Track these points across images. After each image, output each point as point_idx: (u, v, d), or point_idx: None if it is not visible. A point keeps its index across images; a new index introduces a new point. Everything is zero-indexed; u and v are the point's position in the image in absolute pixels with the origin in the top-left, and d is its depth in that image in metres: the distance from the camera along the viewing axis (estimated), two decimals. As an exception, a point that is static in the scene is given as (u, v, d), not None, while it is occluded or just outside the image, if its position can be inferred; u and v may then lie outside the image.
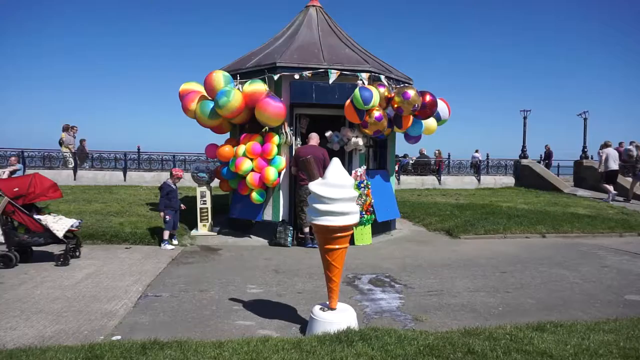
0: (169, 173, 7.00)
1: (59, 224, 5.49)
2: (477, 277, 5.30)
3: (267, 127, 6.86)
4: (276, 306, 4.16)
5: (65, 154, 14.67)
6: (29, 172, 13.70)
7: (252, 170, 6.78)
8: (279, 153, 6.88)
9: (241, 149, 6.82)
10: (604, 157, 12.26)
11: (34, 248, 5.69)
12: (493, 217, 8.73)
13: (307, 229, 6.75)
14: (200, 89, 7.10)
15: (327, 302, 3.51)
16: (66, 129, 14.77)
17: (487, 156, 17.41)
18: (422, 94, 6.78)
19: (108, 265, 5.39)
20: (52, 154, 14.84)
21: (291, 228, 6.88)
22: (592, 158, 16.38)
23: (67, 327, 3.53)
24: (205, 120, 6.89)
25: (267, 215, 7.20)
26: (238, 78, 6.99)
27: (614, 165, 12.25)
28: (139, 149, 15.53)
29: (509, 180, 16.36)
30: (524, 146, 16.64)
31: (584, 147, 16.15)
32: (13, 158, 13.45)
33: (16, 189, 5.36)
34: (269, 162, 6.77)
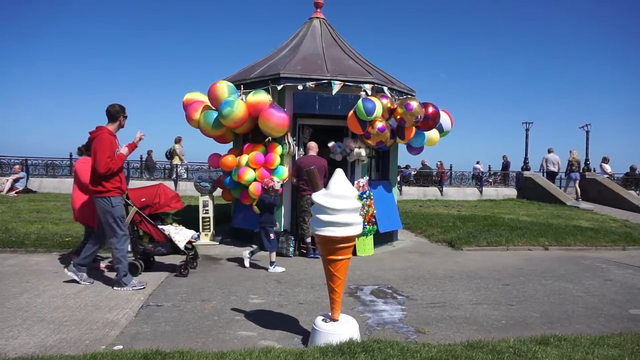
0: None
1: (181, 235, 5.54)
2: (479, 289, 5.28)
3: (270, 137, 6.89)
4: (278, 317, 4.14)
5: (176, 164, 15.23)
6: (32, 180, 13.80)
7: (255, 180, 6.80)
8: (281, 163, 6.90)
9: (244, 158, 6.84)
10: (543, 161, 16.12)
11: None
12: (495, 229, 8.71)
13: (308, 239, 6.74)
14: (204, 98, 7.16)
15: (330, 313, 3.50)
16: (178, 140, 15.58)
17: (489, 167, 17.43)
18: (424, 105, 6.81)
19: (110, 274, 5.38)
20: (55, 162, 14.92)
21: (293, 238, 6.87)
22: (594, 170, 16.39)
23: (68, 337, 3.52)
24: (208, 130, 6.93)
25: (269, 225, 7.19)
26: (242, 88, 7.05)
27: (553, 167, 15.89)
28: (141, 158, 15.60)
29: (511, 192, 16.36)
30: (526, 158, 16.67)
31: (587, 159, 16.16)
32: (17, 166, 13.55)
33: (143, 199, 5.42)
34: (272, 172, 6.78)
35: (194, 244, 5.76)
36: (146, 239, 5.51)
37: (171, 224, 5.76)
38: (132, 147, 4.95)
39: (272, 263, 5.90)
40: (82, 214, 5.39)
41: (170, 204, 5.67)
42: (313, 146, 6.88)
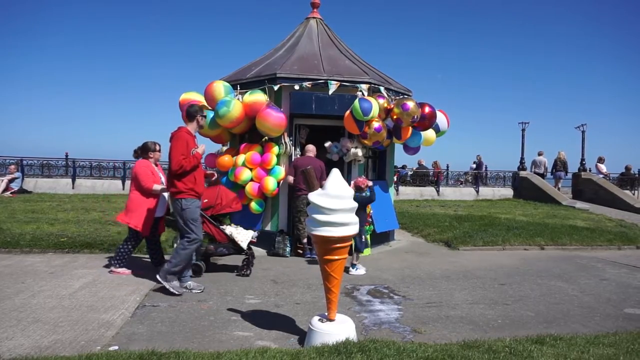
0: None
1: (242, 235, 5.59)
2: (476, 289, 5.29)
3: (266, 137, 6.89)
4: (274, 317, 4.14)
5: None
6: (27, 180, 13.74)
7: (252, 180, 6.79)
8: (278, 163, 6.89)
9: (240, 158, 6.83)
10: (531, 164, 16.82)
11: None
12: (492, 228, 8.73)
13: (305, 240, 6.74)
14: (201, 98, 7.13)
15: (326, 313, 3.50)
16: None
17: (486, 168, 17.46)
18: (421, 105, 6.82)
19: (105, 275, 5.37)
20: (50, 162, 14.85)
21: (290, 238, 6.87)
22: (589, 170, 16.45)
23: (64, 337, 3.50)
24: (205, 130, 6.91)
25: (266, 225, 7.19)
26: (238, 88, 7.04)
27: (539, 170, 16.48)
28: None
29: (508, 192, 16.39)
30: (522, 158, 16.72)
31: (582, 159, 16.23)
32: (12, 166, 13.46)
33: (206, 200, 5.44)
34: (269, 172, 6.78)
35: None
36: (205, 240, 5.54)
37: (229, 224, 5.82)
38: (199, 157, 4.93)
39: (353, 265, 5.88)
40: (130, 215, 5.40)
41: (231, 205, 5.75)
42: (311, 148, 6.87)
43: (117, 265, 5.50)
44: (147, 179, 5.38)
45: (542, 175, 16.25)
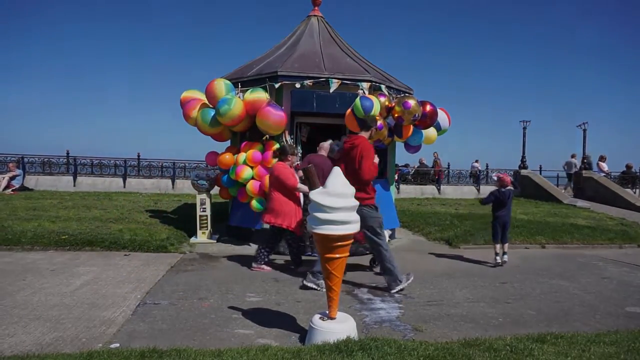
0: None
1: None
2: (476, 287, 5.29)
3: (267, 136, 6.88)
4: (275, 315, 4.14)
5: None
6: (28, 177, 13.75)
7: (253, 178, 6.79)
8: (279, 161, 6.88)
9: (242, 156, 6.83)
10: (565, 164, 17.03)
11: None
12: (493, 227, 8.71)
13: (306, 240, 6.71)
14: (202, 96, 7.14)
15: (327, 311, 3.50)
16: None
17: (487, 166, 17.46)
18: (422, 103, 6.80)
19: (107, 272, 5.37)
20: (52, 160, 14.88)
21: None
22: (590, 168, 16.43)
23: (65, 335, 3.51)
24: (206, 128, 6.92)
25: (267, 223, 7.18)
26: (239, 86, 7.03)
27: (571, 170, 16.74)
28: (139, 156, 15.57)
29: (509, 190, 16.37)
30: (523, 156, 16.69)
31: (584, 157, 16.21)
32: (12, 164, 13.47)
33: None
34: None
35: None
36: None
37: None
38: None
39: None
40: (279, 216, 5.59)
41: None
42: (325, 147, 6.79)
43: (260, 262, 5.76)
44: (291, 178, 5.61)
45: (608, 176, 16.57)
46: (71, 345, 3.31)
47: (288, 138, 6.93)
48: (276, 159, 6.04)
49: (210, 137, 7.34)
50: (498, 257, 6.46)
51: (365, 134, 5.05)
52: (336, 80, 6.84)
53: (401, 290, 4.91)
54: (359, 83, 6.99)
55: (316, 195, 3.38)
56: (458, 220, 9.59)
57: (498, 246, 6.50)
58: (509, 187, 6.44)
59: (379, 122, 6.66)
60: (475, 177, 17.21)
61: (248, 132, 7.15)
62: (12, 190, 12.41)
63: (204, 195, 7.57)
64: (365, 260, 6.08)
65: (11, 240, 6.55)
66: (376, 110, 6.53)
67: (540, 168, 18.01)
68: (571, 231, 8.58)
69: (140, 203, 11.01)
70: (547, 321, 4.16)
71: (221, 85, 6.69)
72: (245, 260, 6.30)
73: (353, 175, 4.65)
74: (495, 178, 6.83)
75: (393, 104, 6.82)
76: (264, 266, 5.77)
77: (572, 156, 17.09)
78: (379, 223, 4.94)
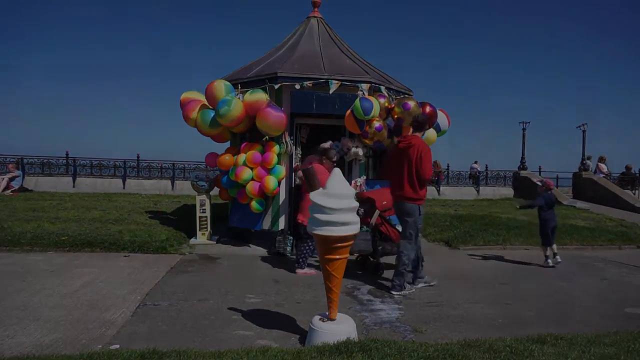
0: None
1: None
2: (476, 288, 5.29)
3: (267, 137, 6.88)
4: (275, 316, 4.14)
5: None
6: (28, 178, 13.75)
7: (252, 179, 6.78)
8: (279, 162, 6.89)
9: (241, 157, 6.82)
10: (596, 167, 16.73)
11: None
12: (492, 228, 8.73)
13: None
14: (201, 98, 7.13)
15: (327, 313, 3.50)
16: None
17: (486, 167, 17.47)
18: (422, 104, 6.81)
19: (106, 274, 5.37)
20: (51, 160, 14.87)
21: (291, 237, 6.86)
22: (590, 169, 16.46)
23: (65, 336, 3.51)
24: (205, 129, 6.91)
25: (267, 224, 7.19)
26: (239, 87, 7.03)
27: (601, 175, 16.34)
28: (138, 157, 15.57)
29: (508, 191, 16.41)
30: (523, 157, 16.72)
31: (583, 158, 16.23)
32: (11, 165, 13.47)
33: (385, 202, 5.55)
34: (269, 171, 6.77)
35: None
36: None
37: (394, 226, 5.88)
38: None
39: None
40: (307, 214, 5.53)
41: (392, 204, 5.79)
42: (331, 154, 6.77)
43: (302, 267, 5.71)
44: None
45: (607, 177, 16.78)
46: (71, 347, 3.30)
47: (288, 139, 6.93)
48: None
49: (210, 138, 7.34)
50: (550, 260, 6.48)
51: (419, 134, 5.14)
52: (336, 82, 6.84)
53: (402, 295, 4.94)
54: (358, 84, 6.99)
55: (316, 196, 3.38)
56: (457, 221, 9.59)
57: (549, 249, 6.55)
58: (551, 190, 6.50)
59: (378, 123, 6.67)
60: (475, 179, 17.22)
61: (248, 133, 7.15)
62: (12, 191, 12.41)
63: (203, 196, 7.57)
64: (391, 259, 5.89)
65: (11, 241, 6.54)
66: (376, 111, 6.54)
67: (540, 169, 18.04)
68: (571, 232, 8.60)
69: (139, 204, 11.01)
70: (547, 322, 4.16)
71: (221, 87, 6.69)
72: (245, 261, 6.31)
73: (408, 174, 4.84)
74: (540, 183, 6.98)
75: (393, 105, 6.83)
76: (306, 270, 5.74)
77: (588, 158, 17.21)
78: (415, 225, 4.99)
